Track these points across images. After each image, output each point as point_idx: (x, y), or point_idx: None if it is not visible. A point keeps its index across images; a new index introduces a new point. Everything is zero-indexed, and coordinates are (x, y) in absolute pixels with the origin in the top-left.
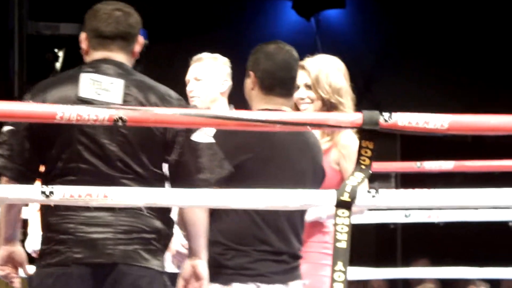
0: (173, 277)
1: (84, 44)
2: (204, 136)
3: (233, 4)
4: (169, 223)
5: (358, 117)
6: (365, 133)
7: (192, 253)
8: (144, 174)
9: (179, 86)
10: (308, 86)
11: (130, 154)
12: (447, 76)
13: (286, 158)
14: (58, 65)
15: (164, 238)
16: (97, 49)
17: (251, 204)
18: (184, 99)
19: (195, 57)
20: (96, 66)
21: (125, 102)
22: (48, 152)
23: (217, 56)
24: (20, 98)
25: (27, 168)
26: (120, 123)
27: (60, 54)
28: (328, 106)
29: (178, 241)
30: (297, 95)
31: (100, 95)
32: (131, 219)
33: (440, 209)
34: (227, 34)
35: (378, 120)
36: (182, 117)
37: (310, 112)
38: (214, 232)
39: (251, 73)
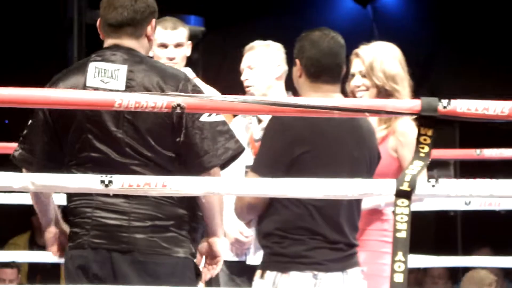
0: (231, 265)
1: (99, 31)
2: (212, 115)
3: None
4: (193, 207)
5: (416, 104)
6: (423, 120)
7: (209, 231)
8: (154, 158)
9: (235, 72)
10: (363, 74)
11: (137, 139)
12: (506, 64)
13: (341, 148)
14: None
15: (188, 224)
16: (109, 35)
17: (310, 193)
18: (240, 87)
19: (248, 46)
20: (103, 54)
21: (128, 87)
22: (65, 144)
23: (270, 42)
24: None
25: (50, 161)
26: (178, 110)
27: None
28: (383, 93)
29: (237, 229)
30: (353, 82)
31: (106, 83)
32: (146, 207)
33: (501, 197)
34: (283, 21)
35: (437, 107)
36: (240, 104)
37: (368, 99)
38: (269, 224)
39: (297, 61)
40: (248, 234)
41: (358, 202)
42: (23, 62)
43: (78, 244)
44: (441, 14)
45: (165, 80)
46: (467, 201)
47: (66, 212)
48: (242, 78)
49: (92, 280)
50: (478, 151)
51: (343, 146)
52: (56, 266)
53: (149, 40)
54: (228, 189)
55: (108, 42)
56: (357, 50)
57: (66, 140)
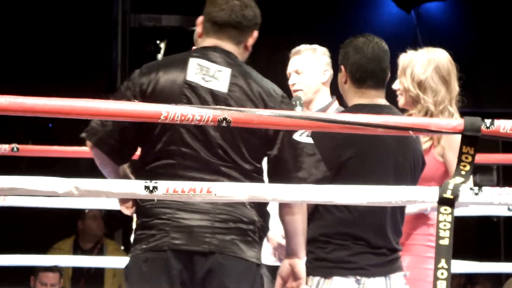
0: (274, 269)
1: (199, 28)
2: (304, 136)
3: None
4: (265, 215)
5: (459, 123)
6: (466, 138)
7: (290, 252)
8: (242, 165)
9: (281, 78)
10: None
11: (230, 143)
12: None
13: (386, 152)
14: (159, 56)
15: (260, 230)
16: (209, 34)
17: (354, 200)
18: (286, 93)
19: (294, 50)
20: (205, 53)
21: (230, 91)
22: (149, 133)
23: (316, 46)
24: None
25: (123, 146)
26: (224, 124)
27: (162, 45)
28: (412, 98)
29: (279, 234)
30: (393, 86)
31: (207, 82)
32: (229, 208)
33: None
34: (327, 27)
35: (480, 127)
36: (286, 119)
37: (412, 117)
38: (314, 229)
39: (342, 67)
40: None
41: (402, 207)
42: (68, 66)
43: (155, 246)
44: (485, 20)
45: (267, 93)
46: (511, 207)
47: (137, 212)
48: (290, 82)
49: (173, 282)
50: None
51: (388, 151)
52: (99, 270)
53: (247, 50)
54: (273, 195)
55: (208, 41)
56: (401, 54)
57: (151, 130)
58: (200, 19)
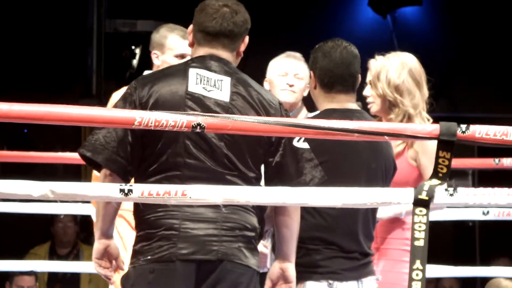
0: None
1: (190, 37)
2: (301, 142)
3: (310, 2)
4: (262, 222)
5: (435, 128)
6: (442, 143)
7: (282, 256)
8: (246, 173)
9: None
10: (371, 84)
11: (236, 153)
12: None
13: (358, 158)
14: (135, 62)
15: (259, 237)
16: (202, 44)
17: (329, 202)
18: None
19: (293, 53)
20: (203, 62)
21: (233, 100)
22: (152, 146)
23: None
24: (98, 95)
25: (129, 163)
26: (198, 130)
27: (137, 51)
28: (388, 103)
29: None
30: (363, 92)
31: (209, 92)
32: (235, 216)
33: None
34: (303, 32)
35: (456, 132)
36: (261, 125)
37: (387, 122)
38: None
39: (311, 72)
40: (269, 245)
41: (373, 211)
42: (43, 72)
43: (163, 257)
44: (461, 24)
45: (267, 101)
46: (485, 211)
47: (138, 223)
48: (287, 81)
49: None
50: (496, 160)
51: (360, 156)
52: (75, 276)
53: (239, 56)
54: (247, 197)
55: (201, 50)
56: (370, 60)
57: (154, 143)
58: (190, 28)
